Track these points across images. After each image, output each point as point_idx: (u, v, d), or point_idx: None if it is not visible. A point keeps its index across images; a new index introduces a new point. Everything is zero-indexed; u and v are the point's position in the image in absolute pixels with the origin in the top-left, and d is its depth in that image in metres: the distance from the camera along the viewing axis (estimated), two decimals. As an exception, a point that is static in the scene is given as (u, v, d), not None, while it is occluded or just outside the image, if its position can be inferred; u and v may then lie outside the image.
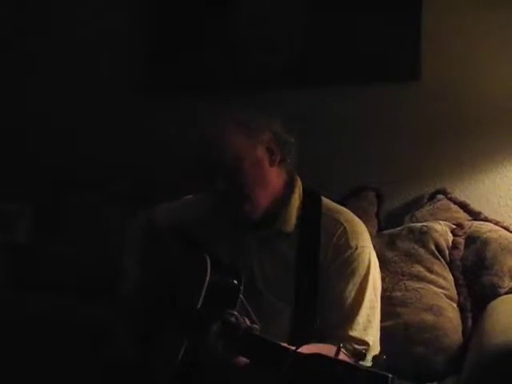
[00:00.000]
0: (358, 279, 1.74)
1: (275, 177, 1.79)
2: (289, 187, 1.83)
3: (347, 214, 1.85)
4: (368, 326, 1.72)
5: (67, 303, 2.34)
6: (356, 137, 2.54)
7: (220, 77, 2.67)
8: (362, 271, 1.75)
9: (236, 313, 1.52)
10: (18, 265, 2.62)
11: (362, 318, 1.72)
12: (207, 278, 1.60)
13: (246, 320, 1.52)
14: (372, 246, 1.83)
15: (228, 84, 2.65)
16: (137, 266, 1.86)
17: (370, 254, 1.79)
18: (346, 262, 1.75)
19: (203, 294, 1.59)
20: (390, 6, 2.46)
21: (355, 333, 1.70)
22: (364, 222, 1.90)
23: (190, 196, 2.06)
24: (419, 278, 2.11)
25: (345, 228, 1.79)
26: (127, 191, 2.67)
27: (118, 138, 2.80)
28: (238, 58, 2.65)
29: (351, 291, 1.73)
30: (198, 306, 1.58)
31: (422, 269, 2.13)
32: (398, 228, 2.28)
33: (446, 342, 2.01)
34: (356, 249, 1.77)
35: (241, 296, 1.61)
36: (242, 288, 1.63)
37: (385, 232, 2.30)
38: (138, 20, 2.77)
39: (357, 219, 1.85)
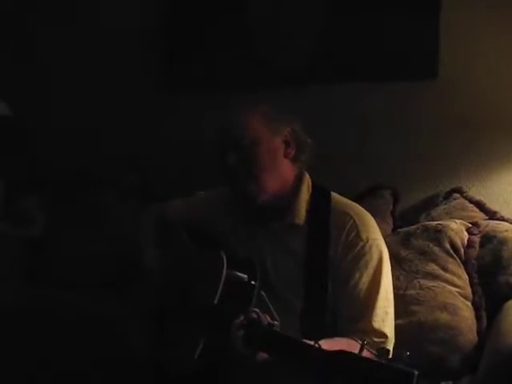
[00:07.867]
0: (371, 271, 1.74)
1: (287, 169, 1.80)
2: (298, 181, 1.83)
3: (356, 207, 1.85)
4: (385, 318, 1.72)
5: (80, 298, 2.36)
6: (372, 135, 2.54)
7: (237, 75, 2.68)
8: (374, 263, 1.75)
9: (257, 309, 1.53)
10: (33, 258, 2.64)
11: (379, 309, 1.72)
12: (223, 275, 1.61)
13: (267, 317, 1.52)
14: (382, 238, 1.83)
15: (246, 82, 2.65)
16: (151, 262, 1.87)
17: (381, 245, 1.79)
18: (358, 255, 1.75)
19: (220, 290, 1.60)
20: (408, 5, 2.46)
21: (375, 324, 1.70)
22: (379, 221, 1.89)
23: (203, 192, 2.07)
24: (434, 277, 2.11)
25: (354, 221, 1.78)
26: (140, 187, 2.68)
27: (133, 135, 2.81)
28: (257, 57, 2.66)
29: (365, 283, 1.73)
30: (215, 303, 1.59)
31: (436, 267, 2.13)
32: (413, 226, 2.27)
33: (461, 340, 2.00)
34: (367, 241, 1.76)
35: (262, 292, 1.62)
36: (257, 283, 1.64)
37: (400, 230, 2.30)
38: (156, 19, 2.80)
39: (366, 212, 1.85)
